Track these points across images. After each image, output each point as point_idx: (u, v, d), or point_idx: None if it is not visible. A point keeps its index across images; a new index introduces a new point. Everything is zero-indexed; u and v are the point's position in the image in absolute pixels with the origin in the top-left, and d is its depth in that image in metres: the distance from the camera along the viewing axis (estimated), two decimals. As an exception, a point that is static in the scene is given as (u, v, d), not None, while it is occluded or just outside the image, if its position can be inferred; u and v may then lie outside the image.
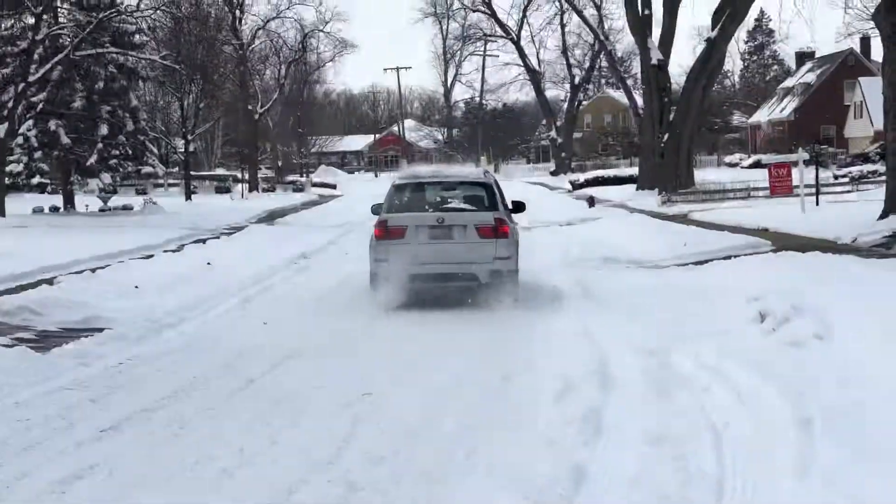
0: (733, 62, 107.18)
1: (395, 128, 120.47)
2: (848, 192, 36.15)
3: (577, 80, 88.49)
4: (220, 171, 75.17)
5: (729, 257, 17.40)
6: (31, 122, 38.78)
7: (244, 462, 6.55)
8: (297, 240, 25.30)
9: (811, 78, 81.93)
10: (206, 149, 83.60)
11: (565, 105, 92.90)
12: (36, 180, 49.75)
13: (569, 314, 12.74)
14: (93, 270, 17.14)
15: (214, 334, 11.98)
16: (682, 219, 29.21)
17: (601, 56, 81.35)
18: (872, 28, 39.29)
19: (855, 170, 46.87)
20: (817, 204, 28.97)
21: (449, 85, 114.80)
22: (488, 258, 13.46)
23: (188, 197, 53.20)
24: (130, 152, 40.85)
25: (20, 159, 47.21)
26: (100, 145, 38.92)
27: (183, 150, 57.64)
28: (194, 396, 8.60)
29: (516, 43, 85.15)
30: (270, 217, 37.87)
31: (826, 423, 6.36)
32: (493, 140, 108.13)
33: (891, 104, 20.82)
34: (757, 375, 8.08)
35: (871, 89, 61.15)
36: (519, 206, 14.93)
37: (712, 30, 40.65)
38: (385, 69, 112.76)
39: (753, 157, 69.37)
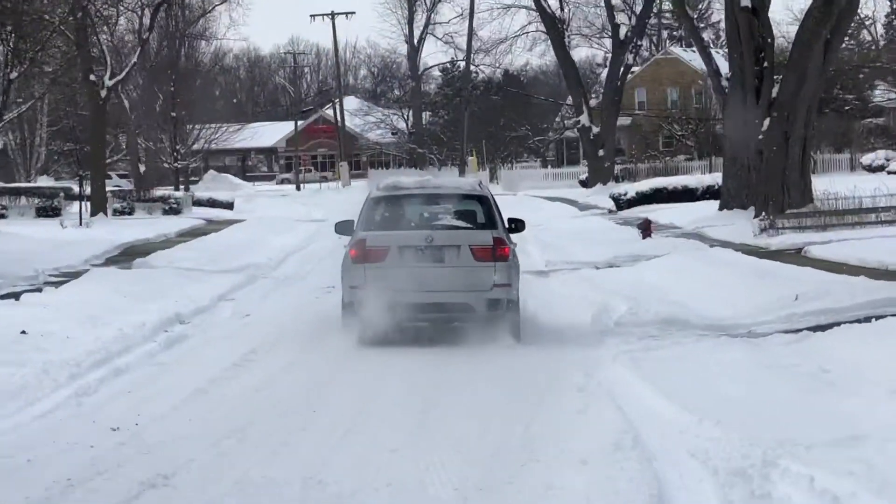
0: (875, 2, 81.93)
1: (330, 110, 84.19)
2: None
3: (623, 31, 53.01)
4: (44, 183, 52.91)
5: (869, 319, 13.52)
6: None
7: None
8: (168, 293, 18.47)
9: None
10: (22, 146, 57.84)
11: (604, 73, 60.81)
12: None
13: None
14: None
15: (28, 450, 8.26)
16: (795, 256, 23.23)
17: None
18: None
19: None
20: None
21: (416, 41, 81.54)
22: (486, 285, 12.80)
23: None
24: None
25: None
26: None
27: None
28: None
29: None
30: (126, 255, 27.63)
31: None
32: (488, 130, 74.61)
33: None
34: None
35: None
36: (517, 225, 14.09)
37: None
38: (312, 16, 78.73)
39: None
